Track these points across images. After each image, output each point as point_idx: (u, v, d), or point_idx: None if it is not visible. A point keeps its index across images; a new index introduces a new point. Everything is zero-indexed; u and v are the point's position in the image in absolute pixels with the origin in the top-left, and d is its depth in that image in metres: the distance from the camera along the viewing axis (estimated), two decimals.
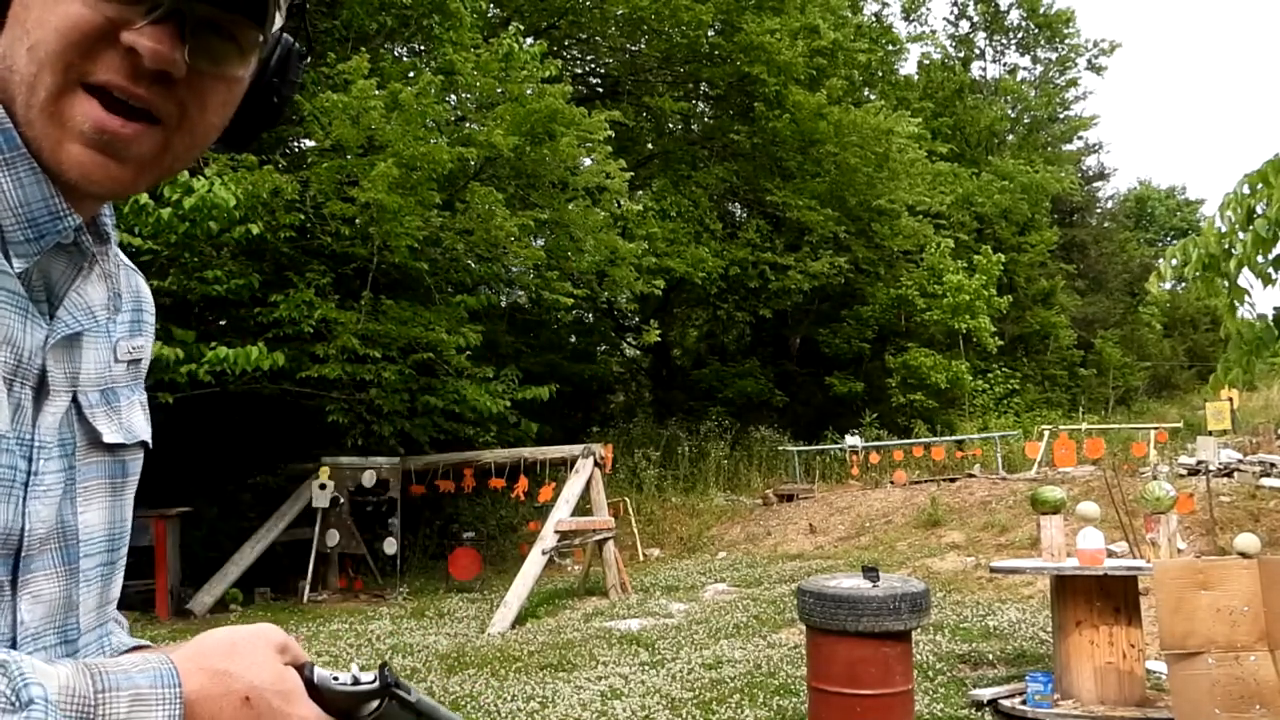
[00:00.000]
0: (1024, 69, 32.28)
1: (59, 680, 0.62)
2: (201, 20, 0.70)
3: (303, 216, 10.61)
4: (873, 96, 22.23)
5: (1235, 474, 11.17)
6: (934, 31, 32.08)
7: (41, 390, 0.73)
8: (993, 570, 6.46)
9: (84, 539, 0.77)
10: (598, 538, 10.13)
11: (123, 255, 0.86)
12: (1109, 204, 36.07)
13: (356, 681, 0.74)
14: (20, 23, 0.69)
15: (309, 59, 0.87)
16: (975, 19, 31.52)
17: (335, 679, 0.73)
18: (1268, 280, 4.39)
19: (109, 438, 0.79)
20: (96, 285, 0.79)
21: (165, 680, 0.65)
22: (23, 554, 0.71)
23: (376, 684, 0.74)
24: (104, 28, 0.67)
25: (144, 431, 0.84)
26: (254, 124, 0.84)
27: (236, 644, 0.70)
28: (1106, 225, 33.18)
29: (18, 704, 0.59)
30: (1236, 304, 4.52)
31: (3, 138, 0.70)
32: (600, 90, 19.69)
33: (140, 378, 0.87)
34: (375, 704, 0.74)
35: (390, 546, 11.72)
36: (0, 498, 0.69)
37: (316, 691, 0.72)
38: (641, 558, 12.82)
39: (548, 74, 11.95)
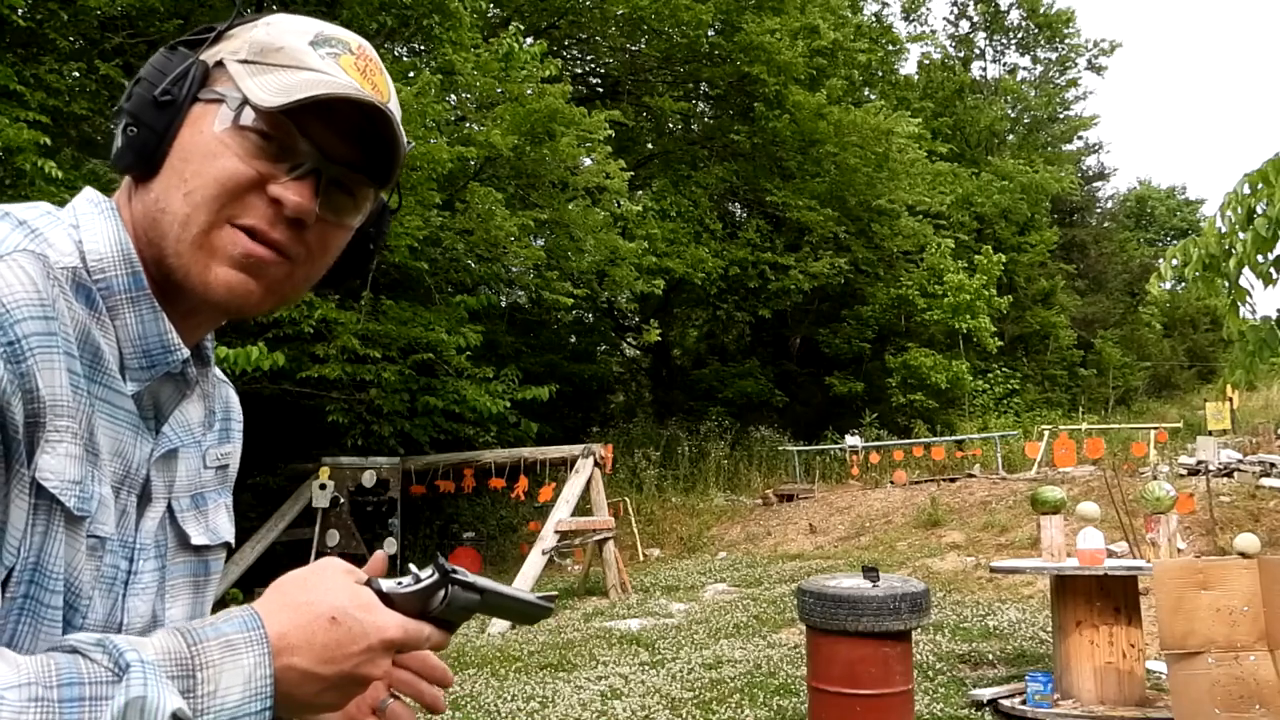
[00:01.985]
0: (1024, 69, 32.31)
1: (155, 645, 0.68)
2: (333, 178, 0.83)
3: None
4: (873, 96, 22.24)
5: (1235, 474, 11.17)
6: (934, 31, 32.18)
7: (144, 498, 0.83)
8: (993, 570, 6.46)
9: None
10: (598, 538, 10.13)
11: (218, 371, 0.97)
12: (1109, 204, 36.09)
13: (417, 580, 0.82)
14: (178, 173, 0.80)
15: (398, 212, 0.97)
16: (975, 19, 31.53)
17: (400, 584, 0.81)
18: (1268, 280, 4.39)
19: (196, 540, 0.89)
20: (196, 404, 0.89)
21: (250, 624, 0.72)
22: None
23: (436, 576, 0.83)
24: (254, 180, 0.80)
25: (228, 533, 0.94)
26: (349, 268, 0.95)
27: (308, 577, 0.77)
28: (1106, 225, 33.18)
29: (119, 671, 0.65)
30: (1238, 304, 4.52)
31: (133, 279, 0.80)
32: (600, 90, 19.69)
33: (228, 482, 0.96)
34: (441, 594, 0.82)
35: (390, 546, 11.72)
36: (103, 594, 0.77)
37: (388, 599, 0.79)
38: (641, 558, 12.82)
39: (548, 74, 11.95)
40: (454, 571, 0.83)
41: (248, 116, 0.79)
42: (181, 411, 0.86)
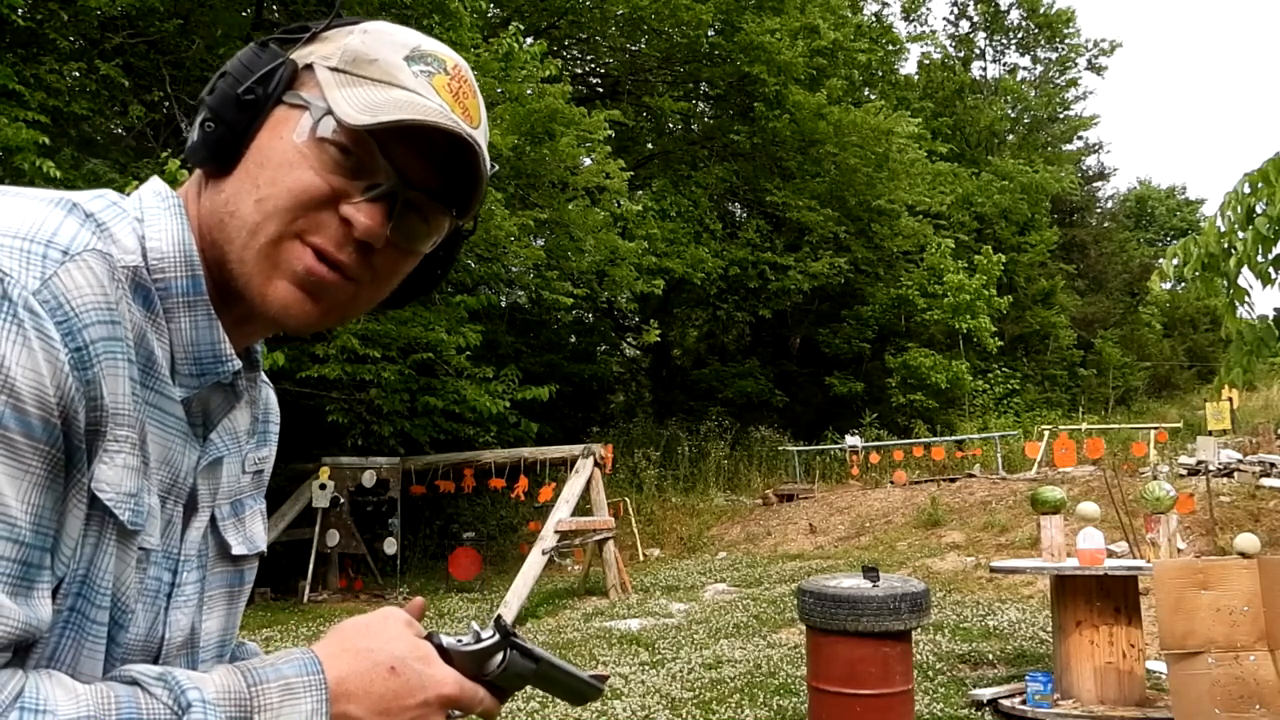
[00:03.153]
0: (1024, 69, 32.31)
1: (215, 683, 0.69)
2: (408, 201, 0.80)
3: None
4: (873, 96, 22.23)
5: (1235, 474, 11.17)
6: (934, 31, 32.20)
7: (189, 507, 0.80)
8: (993, 570, 6.46)
9: (202, 645, 0.82)
10: (598, 538, 10.13)
11: (262, 373, 0.94)
12: (1109, 204, 36.09)
13: (478, 638, 0.82)
14: (251, 178, 0.77)
15: (472, 235, 0.94)
16: (975, 19, 31.53)
17: (460, 641, 0.81)
18: (1267, 280, 4.39)
19: (236, 550, 0.86)
20: (243, 411, 0.87)
21: (309, 668, 0.72)
22: (160, 660, 0.77)
23: (496, 638, 0.82)
24: (328, 196, 0.77)
25: (263, 542, 0.91)
26: (413, 290, 0.93)
27: (370, 624, 0.78)
28: (1106, 225, 33.17)
29: (179, 710, 0.66)
30: (1237, 304, 4.52)
31: (192, 283, 0.77)
32: (600, 90, 19.69)
33: (262, 486, 0.94)
34: (499, 657, 0.82)
35: (390, 546, 11.72)
36: (146, 606, 0.75)
37: (447, 655, 0.79)
38: (641, 558, 12.81)
39: (548, 74, 11.95)
40: (514, 635, 0.83)
41: (327, 127, 0.77)
42: (229, 418, 0.84)
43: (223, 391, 0.82)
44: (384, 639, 0.77)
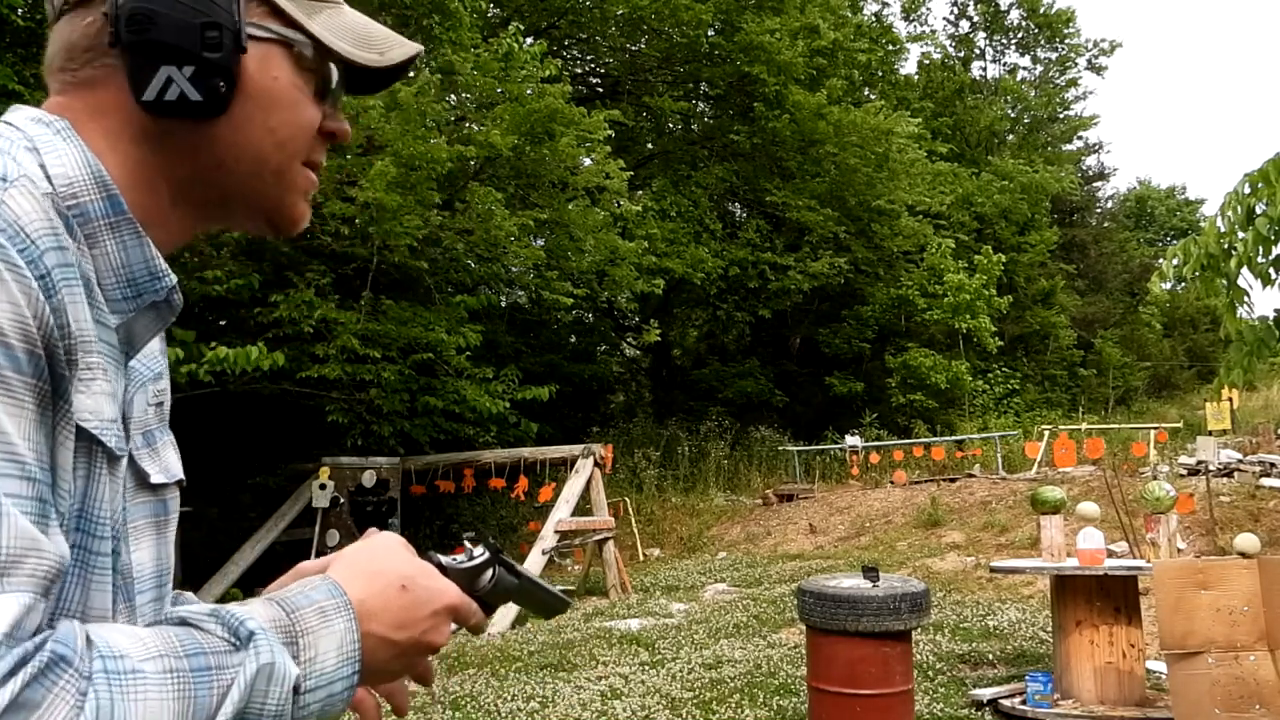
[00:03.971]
0: (1024, 69, 32.30)
1: (260, 613, 0.71)
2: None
3: None
4: (873, 96, 22.23)
5: (1235, 474, 11.17)
6: (934, 31, 32.14)
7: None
8: (993, 570, 6.46)
9: (136, 577, 0.80)
10: (598, 538, 10.13)
11: None
12: (1109, 204, 36.09)
13: (471, 556, 0.88)
14: (261, 121, 0.80)
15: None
16: (975, 19, 31.53)
17: (455, 559, 0.87)
18: (1267, 280, 4.39)
19: (155, 478, 0.84)
20: (159, 338, 0.87)
21: (335, 592, 0.75)
22: None
23: (487, 555, 0.88)
24: (319, 122, 0.85)
25: (179, 471, 0.89)
26: None
27: (374, 549, 0.82)
28: (1106, 225, 33.17)
29: (239, 641, 0.67)
30: (1236, 304, 4.52)
31: (110, 204, 0.75)
32: (600, 90, 19.69)
33: (165, 419, 0.91)
34: (490, 573, 0.88)
35: None
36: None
37: (444, 571, 0.84)
38: (641, 558, 12.82)
39: (547, 74, 11.94)
40: (501, 552, 0.89)
41: (306, 56, 0.82)
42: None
43: (155, 311, 0.79)
44: (390, 561, 0.80)
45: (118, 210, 0.75)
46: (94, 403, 0.70)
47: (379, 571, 0.78)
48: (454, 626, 0.84)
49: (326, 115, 0.85)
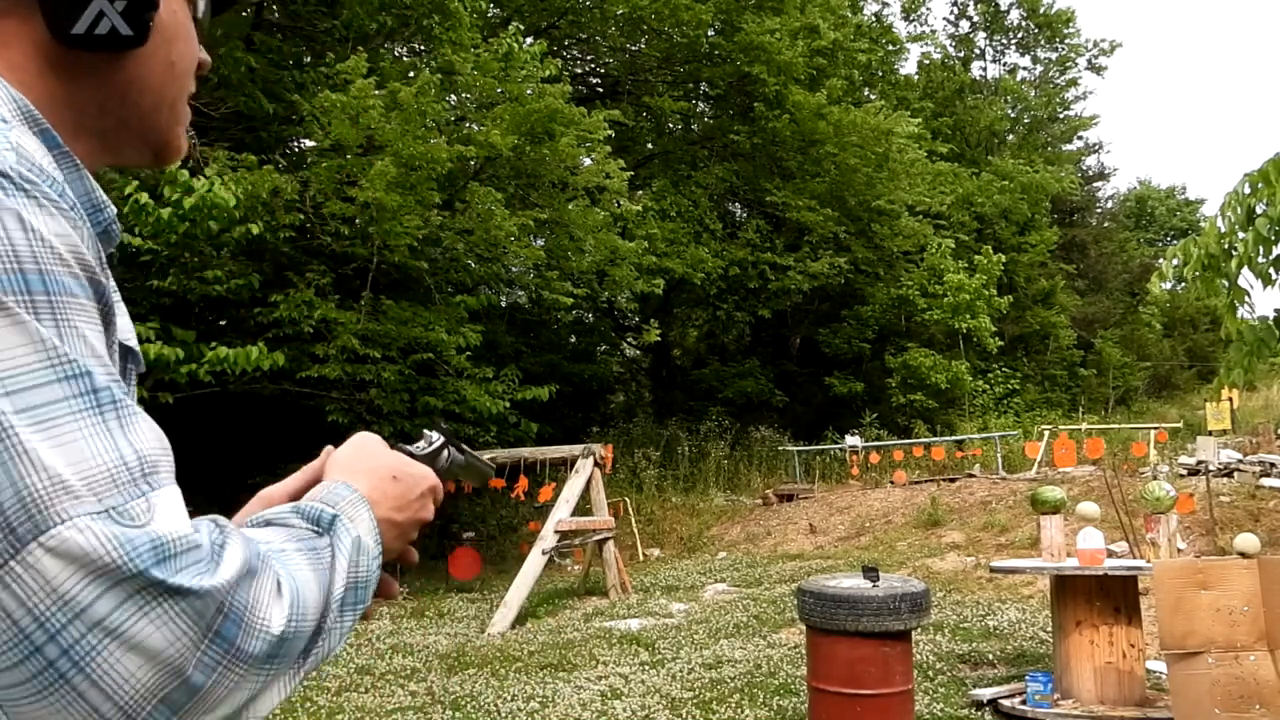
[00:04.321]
0: (1024, 69, 32.28)
1: (326, 496, 0.79)
2: None
3: (302, 216, 10.61)
4: (873, 96, 22.22)
5: (1235, 474, 11.17)
6: (934, 31, 32.14)
7: None
8: (993, 570, 6.46)
9: None
10: (598, 538, 10.13)
11: None
12: (1109, 204, 36.07)
13: (430, 442, 0.99)
14: (164, 53, 0.80)
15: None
16: (975, 19, 31.52)
17: (419, 446, 0.98)
18: (1268, 280, 4.39)
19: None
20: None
21: (350, 489, 0.81)
22: None
23: (442, 440, 1.00)
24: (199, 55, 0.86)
25: None
26: None
27: (360, 448, 0.89)
28: (1106, 225, 33.16)
29: (322, 528, 0.74)
30: (1237, 304, 4.52)
31: (45, 138, 0.73)
32: (600, 90, 19.69)
33: None
34: (446, 454, 1.01)
35: None
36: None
37: (414, 458, 0.95)
38: (641, 558, 12.81)
39: (547, 74, 11.94)
40: (451, 436, 1.01)
41: None
42: None
43: (93, 243, 0.80)
44: (377, 456, 0.88)
45: (54, 144, 0.73)
46: (125, 322, 0.75)
47: (372, 468, 0.86)
48: None
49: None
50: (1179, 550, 6.43)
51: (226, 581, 0.61)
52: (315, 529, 0.74)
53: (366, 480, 0.84)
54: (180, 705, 0.59)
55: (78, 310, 0.62)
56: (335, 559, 0.72)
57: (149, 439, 0.63)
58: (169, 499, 0.62)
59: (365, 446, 0.90)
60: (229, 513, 0.91)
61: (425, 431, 1.01)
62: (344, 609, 0.73)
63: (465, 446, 1.05)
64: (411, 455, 0.95)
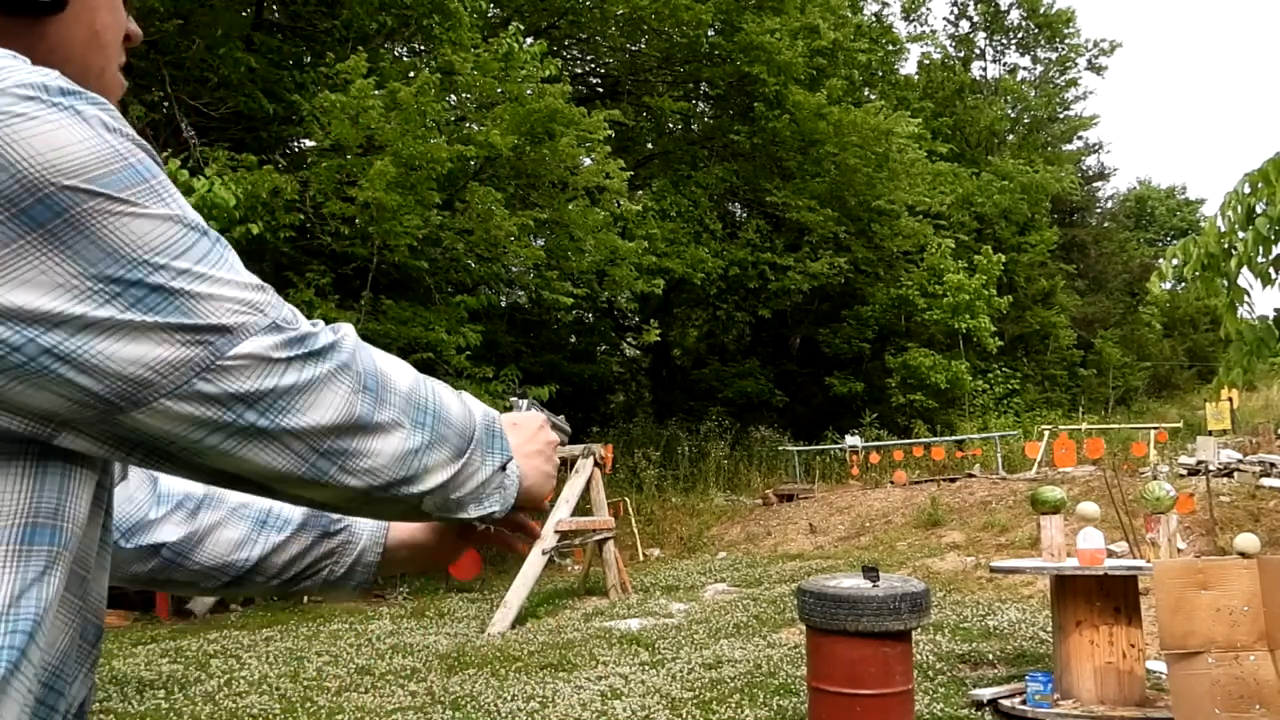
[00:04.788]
0: (1024, 69, 32.30)
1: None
2: None
3: (302, 216, 10.61)
4: (873, 96, 22.23)
5: (1235, 474, 11.17)
6: (934, 31, 32.16)
7: None
8: (993, 570, 6.46)
9: None
10: (598, 538, 10.13)
11: None
12: (1109, 204, 36.09)
13: (521, 408, 1.08)
14: (87, 22, 0.81)
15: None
16: (975, 19, 31.53)
17: (518, 407, 1.08)
18: (1267, 280, 4.39)
19: None
20: None
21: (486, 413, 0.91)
22: None
23: (528, 403, 1.10)
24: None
25: None
26: None
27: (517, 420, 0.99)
28: (1106, 225, 33.17)
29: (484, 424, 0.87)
30: (1236, 304, 4.52)
31: None
32: (600, 90, 19.69)
33: None
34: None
35: None
36: None
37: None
38: (641, 558, 12.82)
39: (547, 74, 11.94)
40: (535, 401, 1.11)
41: None
42: None
43: None
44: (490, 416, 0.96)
45: None
46: None
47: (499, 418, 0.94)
48: None
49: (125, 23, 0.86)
50: (1179, 550, 6.43)
51: (358, 346, 0.77)
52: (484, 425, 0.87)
53: (503, 424, 0.93)
54: (357, 436, 0.75)
55: (165, 180, 0.71)
56: (470, 404, 0.86)
57: (240, 262, 0.75)
58: (286, 305, 0.75)
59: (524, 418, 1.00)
60: None
61: (514, 400, 1.11)
62: (489, 448, 0.85)
63: (547, 411, 1.13)
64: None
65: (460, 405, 0.84)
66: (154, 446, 0.72)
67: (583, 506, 10.79)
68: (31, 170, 0.63)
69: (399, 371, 0.80)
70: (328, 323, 0.78)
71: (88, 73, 0.80)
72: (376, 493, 0.78)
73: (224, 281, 0.71)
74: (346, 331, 0.78)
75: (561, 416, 1.17)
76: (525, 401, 1.10)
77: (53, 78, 0.67)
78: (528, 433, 0.96)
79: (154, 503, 1.04)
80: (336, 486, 0.76)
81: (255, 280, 0.74)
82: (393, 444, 0.77)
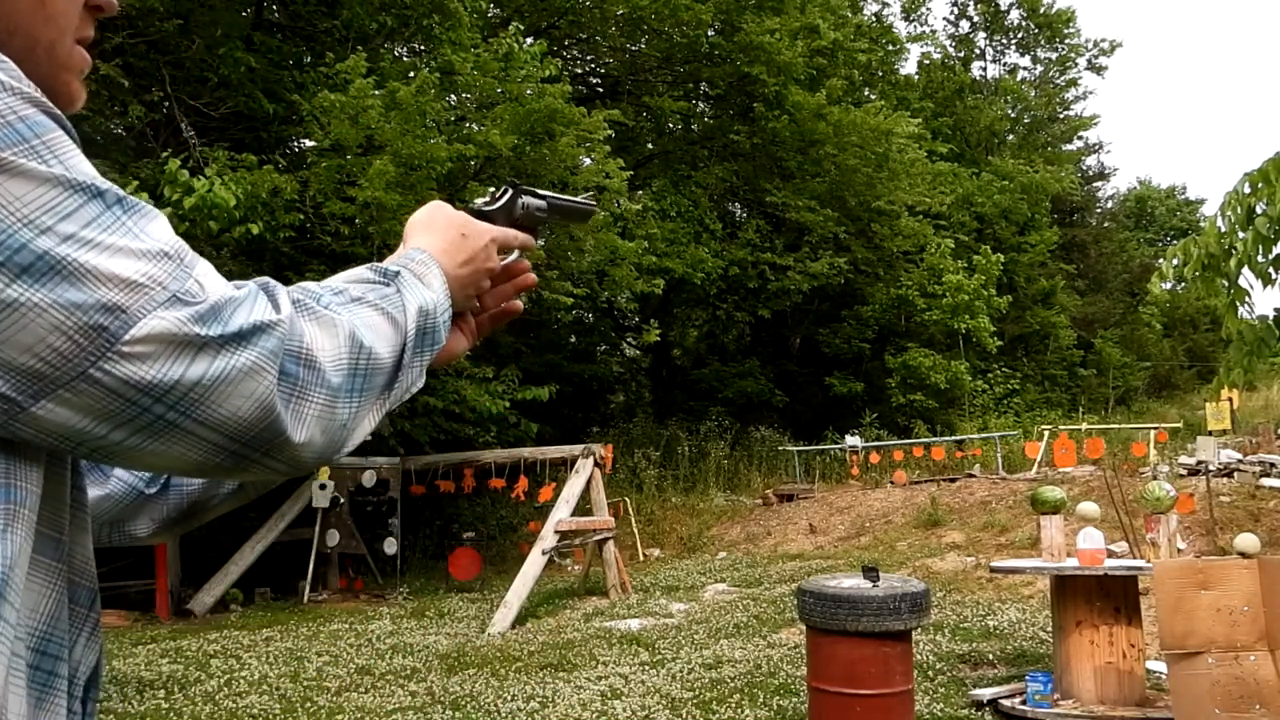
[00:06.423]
0: (1024, 69, 32.28)
1: (392, 258, 0.91)
2: None
3: (302, 216, 10.61)
4: (873, 96, 22.22)
5: (1235, 474, 11.17)
6: (934, 31, 32.08)
7: None
8: (993, 570, 6.46)
9: None
10: (598, 538, 10.13)
11: None
12: (1109, 204, 36.07)
13: (495, 198, 1.07)
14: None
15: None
16: (975, 19, 31.51)
17: (484, 202, 1.07)
18: (1268, 280, 4.39)
19: None
20: None
21: (420, 250, 0.93)
22: None
23: (510, 192, 1.07)
24: None
25: None
26: None
27: (430, 213, 1.01)
28: (1106, 225, 33.16)
29: (387, 279, 0.85)
30: (1237, 304, 4.52)
31: None
32: (600, 90, 19.68)
33: None
34: (519, 203, 1.08)
35: (390, 546, 11.72)
36: None
37: (481, 214, 1.05)
38: (641, 558, 12.81)
39: (547, 74, 11.94)
40: (520, 185, 1.08)
41: None
42: None
43: None
44: (445, 218, 1.00)
45: None
46: None
47: (444, 229, 0.98)
48: (513, 254, 1.07)
49: None
50: (1179, 550, 6.43)
51: (283, 317, 0.72)
52: (383, 280, 0.84)
53: (438, 240, 0.96)
54: (278, 430, 0.70)
55: (59, 139, 0.67)
56: (406, 305, 0.83)
57: (165, 228, 0.71)
58: (207, 271, 0.72)
59: (438, 210, 1.01)
60: (232, 519, 0.93)
61: (491, 190, 1.09)
62: (418, 350, 0.84)
63: (545, 192, 1.10)
64: (479, 212, 1.04)
65: (391, 329, 0.81)
66: (67, 443, 0.67)
67: (583, 506, 10.80)
68: None
69: (329, 334, 0.75)
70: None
71: (36, 46, 0.77)
72: (307, 466, 0.77)
73: (115, 249, 0.65)
74: (273, 298, 0.73)
75: (582, 196, 1.14)
76: (504, 189, 1.07)
77: None
78: (469, 246, 0.97)
79: None
80: (263, 471, 0.74)
81: (160, 246, 0.68)
82: (320, 425, 0.74)
